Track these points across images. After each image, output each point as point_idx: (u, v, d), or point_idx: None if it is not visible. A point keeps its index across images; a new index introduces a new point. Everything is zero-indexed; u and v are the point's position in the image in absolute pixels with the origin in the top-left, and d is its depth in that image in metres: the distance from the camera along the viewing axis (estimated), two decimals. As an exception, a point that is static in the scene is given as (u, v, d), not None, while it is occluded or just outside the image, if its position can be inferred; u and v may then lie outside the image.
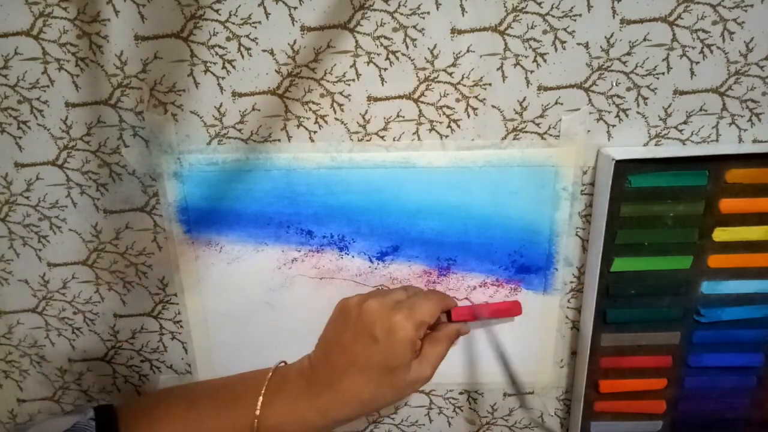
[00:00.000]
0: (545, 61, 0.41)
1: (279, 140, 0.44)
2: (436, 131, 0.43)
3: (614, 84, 0.42)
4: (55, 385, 0.53)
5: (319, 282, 0.48)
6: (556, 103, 0.42)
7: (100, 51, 0.41)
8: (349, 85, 0.42)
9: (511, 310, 0.47)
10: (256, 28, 0.41)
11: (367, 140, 0.44)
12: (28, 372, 0.52)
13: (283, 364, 0.45)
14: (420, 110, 0.43)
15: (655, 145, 0.43)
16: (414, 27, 0.40)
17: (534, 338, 0.49)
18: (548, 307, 0.48)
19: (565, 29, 0.40)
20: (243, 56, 0.41)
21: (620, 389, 0.48)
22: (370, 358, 0.40)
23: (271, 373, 0.43)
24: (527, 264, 0.47)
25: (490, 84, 0.42)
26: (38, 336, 0.51)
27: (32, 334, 0.51)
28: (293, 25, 0.40)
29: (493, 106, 0.42)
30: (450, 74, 0.42)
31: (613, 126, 0.43)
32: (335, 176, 0.44)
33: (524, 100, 0.42)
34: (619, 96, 0.42)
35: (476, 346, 0.50)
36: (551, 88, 0.42)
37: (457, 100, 0.42)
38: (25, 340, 0.51)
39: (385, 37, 0.41)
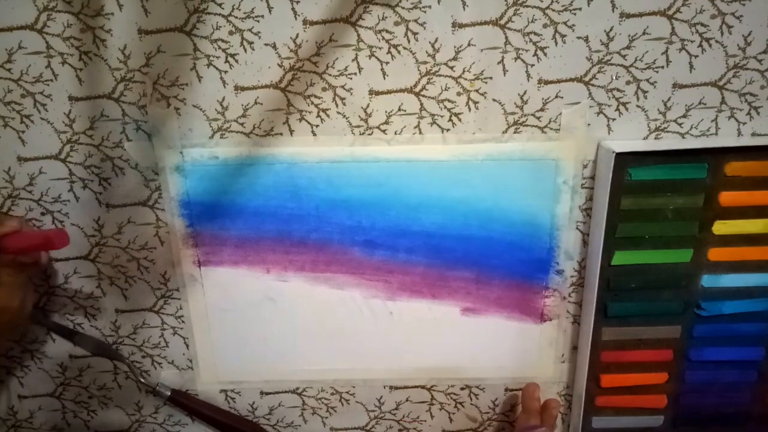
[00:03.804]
0: (545, 54, 0.41)
1: (281, 134, 0.44)
2: (438, 125, 0.44)
3: (614, 77, 0.42)
4: (56, 382, 0.53)
5: (320, 276, 0.48)
6: (556, 96, 0.42)
7: (104, 45, 0.42)
8: (351, 78, 0.42)
9: (57, 238, 0.43)
10: (258, 22, 0.41)
11: (369, 134, 0.44)
12: (29, 368, 0.52)
13: None
14: (421, 104, 0.43)
15: (655, 138, 0.44)
16: (415, 21, 0.41)
17: (535, 333, 0.49)
18: (549, 301, 0.48)
19: (565, 23, 0.40)
20: (246, 50, 0.42)
21: (621, 384, 0.48)
22: None
23: None
24: (528, 258, 0.47)
25: (491, 78, 0.42)
26: (40, 332, 0.51)
27: (34, 330, 0.51)
28: (296, 19, 0.41)
29: (494, 100, 0.43)
30: (451, 68, 0.42)
31: (613, 119, 0.43)
32: (337, 170, 0.45)
33: (525, 93, 0.42)
34: (618, 89, 0.42)
35: (478, 341, 0.50)
36: (551, 82, 0.42)
37: (458, 94, 0.43)
38: (27, 336, 0.51)
39: (387, 31, 0.41)
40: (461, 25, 0.41)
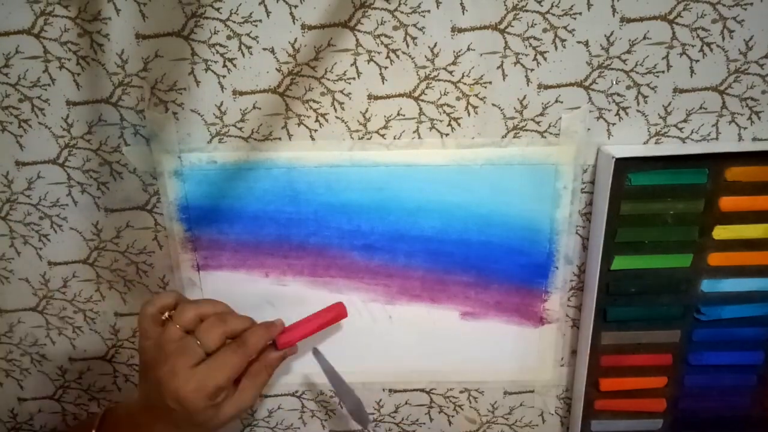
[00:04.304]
0: (545, 59, 0.41)
1: (280, 139, 0.44)
2: (437, 130, 0.43)
3: (614, 82, 0.42)
4: (56, 384, 0.53)
5: (319, 280, 0.48)
6: (556, 101, 0.42)
7: (101, 49, 0.42)
8: (349, 83, 0.42)
9: (338, 315, 0.45)
10: (256, 26, 0.41)
11: (368, 139, 0.44)
12: (28, 371, 0.52)
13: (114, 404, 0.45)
14: (420, 109, 0.43)
15: (655, 143, 0.44)
16: (414, 25, 0.40)
17: (534, 337, 0.49)
18: (549, 305, 0.48)
19: (565, 27, 0.40)
20: (244, 55, 0.41)
21: (620, 387, 0.48)
22: (172, 417, 0.39)
23: (102, 414, 0.42)
24: (527, 262, 0.47)
25: (490, 82, 0.42)
26: (39, 335, 0.51)
27: (33, 333, 0.51)
28: (294, 23, 0.41)
29: (494, 105, 0.42)
30: (450, 72, 0.42)
31: (613, 124, 0.43)
32: (336, 175, 0.45)
33: (524, 98, 0.42)
34: (619, 94, 0.42)
35: (477, 344, 0.50)
36: (551, 87, 0.42)
37: (458, 99, 0.42)
38: (26, 339, 0.51)
39: (386, 36, 0.41)
40: (460, 30, 0.40)
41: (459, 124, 0.43)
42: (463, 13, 0.40)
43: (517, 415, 0.53)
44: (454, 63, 0.41)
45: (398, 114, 0.43)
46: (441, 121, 0.43)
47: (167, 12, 0.40)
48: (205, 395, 0.38)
